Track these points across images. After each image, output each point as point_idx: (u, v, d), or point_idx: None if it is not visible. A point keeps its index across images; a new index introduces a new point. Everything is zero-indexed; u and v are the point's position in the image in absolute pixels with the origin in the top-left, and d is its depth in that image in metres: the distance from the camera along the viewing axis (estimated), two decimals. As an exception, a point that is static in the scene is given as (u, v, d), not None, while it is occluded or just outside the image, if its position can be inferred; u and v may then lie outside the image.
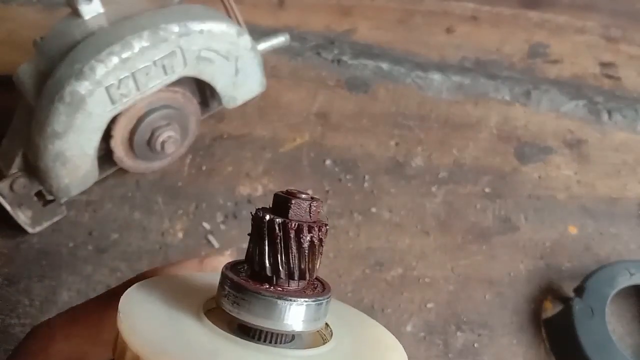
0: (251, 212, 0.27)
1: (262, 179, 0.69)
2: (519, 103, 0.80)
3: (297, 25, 0.84)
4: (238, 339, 0.26)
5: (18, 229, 0.61)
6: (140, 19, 0.55)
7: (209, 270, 0.36)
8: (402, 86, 0.80)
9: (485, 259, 0.66)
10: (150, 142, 0.61)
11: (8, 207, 0.59)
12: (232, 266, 0.28)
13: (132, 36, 0.53)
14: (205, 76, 0.61)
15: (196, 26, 0.56)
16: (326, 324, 0.29)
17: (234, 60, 0.61)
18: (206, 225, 0.65)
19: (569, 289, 0.63)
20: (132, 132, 0.60)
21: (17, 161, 0.59)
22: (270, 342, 0.27)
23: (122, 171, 0.64)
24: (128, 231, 0.64)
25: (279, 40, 0.69)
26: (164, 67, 0.56)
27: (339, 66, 0.81)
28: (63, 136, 0.54)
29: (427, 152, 0.74)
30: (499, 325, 0.62)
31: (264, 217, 0.26)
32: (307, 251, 0.27)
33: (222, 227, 0.65)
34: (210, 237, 0.64)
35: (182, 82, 0.60)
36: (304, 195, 0.27)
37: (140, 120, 0.59)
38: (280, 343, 0.27)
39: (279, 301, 0.26)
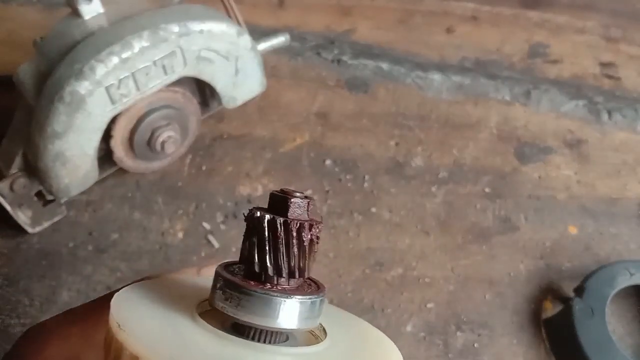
0: (243, 213, 0.27)
1: (262, 179, 0.69)
2: (519, 103, 0.80)
3: (297, 25, 0.84)
4: (232, 337, 0.26)
5: (18, 229, 0.61)
6: (140, 19, 0.55)
7: None
8: (402, 86, 0.80)
9: (485, 259, 0.66)
10: (150, 142, 0.61)
11: (8, 207, 0.59)
12: (226, 266, 0.28)
13: (132, 36, 0.53)
14: (205, 76, 0.61)
15: (196, 26, 0.56)
16: (320, 325, 0.29)
17: (234, 60, 0.61)
18: (206, 225, 0.65)
19: (569, 289, 0.63)
20: (132, 132, 0.60)
21: (17, 161, 0.59)
22: (265, 341, 0.27)
23: (122, 171, 0.64)
24: (128, 231, 0.64)
25: (279, 40, 0.69)
26: (164, 67, 0.56)
27: (339, 66, 0.81)
28: (63, 136, 0.54)
29: (427, 152, 0.74)
30: (499, 325, 0.62)
31: (263, 216, 0.26)
32: (307, 249, 0.27)
33: (222, 227, 0.65)
34: (210, 237, 0.64)
35: (182, 82, 0.60)
36: (298, 194, 0.27)
37: (140, 120, 0.59)
38: (275, 342, 0.27)
39: (274, 298, 0.26)
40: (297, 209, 0.27)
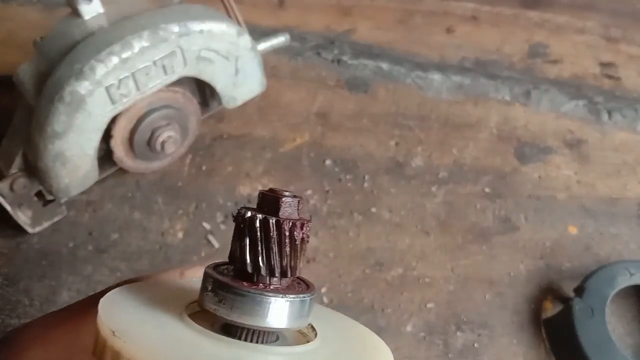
0: (232, 214, 0.27)
1: (262, 179, 0.69)
2: (519, 103, 0.80)
3: (297, 25, 0.84)
4: (222, 336, 0.26)
5: (18, 229, 0.61)
6: (140, 19, 0.55)
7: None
8: (402, 86, 0.80)
9: (485, 259, 0.66)
10: (150, 142, 0.61)
11: (8, 207, 0.59)
12: (215, 267, 0.28)
13: (132, 36, 0.53)
14: (205, 76, 0.61)
15: (196, 26, 0.56)
16: (311, 325, 0.29)
17: (234, 60, 0.61)
18: (206, 225, 0.65)
19: (569, 289, 0.63)
20: (132, 132, 0.60)
21: (17, 161, 0.59)
22: (255, 340, 0.27)
23: (122, 171, 0.64)
24: (128, 231, 0.64)
25: (279, 40, 0.69)
26: (164, 67, 0.56)
27: (339, 66, 0.81)
28: (63, 136, 0.54)
29: (427, 152, 0.74)
30: (499, 325, 0.62)
31: (255, 216, 0.26)
32: (298, 248, 0.27)
33: (222, 227, 0.65)
34: (210, 237, 0.64)
35: (182, 82, 0.60)
36: (288, 193, 0.27)
37: (140, 120, 0.59)
38: (265, 342, 0.27)
39: (264, 298, 0.26)
40: (288, 208, 0.27)
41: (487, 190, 0.71)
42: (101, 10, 0.55)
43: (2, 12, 0.80)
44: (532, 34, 0.89)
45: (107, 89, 0.54)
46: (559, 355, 0.60)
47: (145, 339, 0.25)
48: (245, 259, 0.27)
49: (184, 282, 0.33)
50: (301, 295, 0.27)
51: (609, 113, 0.80)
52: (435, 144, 0.74)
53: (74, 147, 0.56)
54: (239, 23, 0.64)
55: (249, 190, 0.68)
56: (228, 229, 0.65)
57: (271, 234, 0.26)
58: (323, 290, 0.62)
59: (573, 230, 0.69)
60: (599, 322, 0.59)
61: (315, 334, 0.29)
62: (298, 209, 0.27)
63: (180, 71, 0.58)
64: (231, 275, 0.27)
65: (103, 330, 0.25)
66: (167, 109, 0.61)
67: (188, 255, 0.63)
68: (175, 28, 0.55)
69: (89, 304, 0.32)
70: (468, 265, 0.65)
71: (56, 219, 0.63)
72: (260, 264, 0.26)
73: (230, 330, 0.27)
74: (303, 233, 0.27)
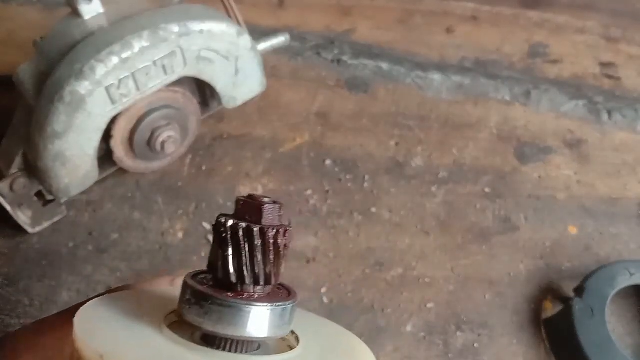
0: (212, 223, 0.27)
1: (262, 179, 0.69)
2: (519, 103, 0.80)
3: (297, 25, 0.84)
4: (201, 347, 0.25)
5: (18, 229, 0.61)
6: (140, 19, 0.55)
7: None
8: (402, 86, 0.80)
9: (485, 259, 0.66)
10: (150, 142, 0.61)
11: (8, 207, 0.59)
12: (194, 275, 0.27)
13: (132, 36, 0.53)
14: (205, 76, 0.61)
15: (196, 26, 0.56)
16: (293, 332, 0.28)
17: (234, 60, 0.61)
18: (206, 225, 0.65)
19: (569, 289, 0.63)
20: (132, 132, 0.60)
21: (17, 161, 0.59)
22: (235, 350, 0.26)
23: (122, 171, 0.64)
24: (128, 231, 0.64)
25: (279, 40, 0.69)
26: (164, 67, 0.56)
27: (339, 66, 0.81)
28: (63, 136, 0.54)
29: (427, 152, 0.74)
30: (499, 325, 0.62)
31: (237, 224, 0.26)
32: (282, 254, 0.27)
33: (222, 227, 0.65)
34: (211, 237, 0.64)
35: (182, 82, 0.60)
36: (267, 200, 0.27)
37: (140, 120, 0.59)
38: (246, 352, 0.27)
39: (244, 307, 0.25)
40: (270, 215, 0.27)
41: (487, 190, 0.71)
42: (101, 10, 0.55)
43: (2, 12, 0.80)
44: (532, 34, 0.89)
45: (107, 89, 0.54)
46: (559, 355, 0.60)
47: (122, 352, 0.24)
48: (229, 269, 0.26)
49: (170, 290, 0.32)
50: (282, 303, 0.26)
51: (609, 113, 0.80)
52: (435, 144, 0.74)
53: (74, 147, 0.56)
54: (239, 23, 0.64)
55: (249, 191, 0.68)
56: (228, 229, 0.65)
57: (255, 242, 0.26)
58: (323, 290, 0.62)
59: (573, 230, 0.69)
60: (599, 322, 0.59)
61: (298, 341, 0.28)
62: (279, 215, 0.27)
63: (180, 71, 0.58)
64: (211, 285, 0.27)
65: (78, 345, 0.24)
66: (167, 109, 0.61)
67: (188, 255, 0.63)
68: (175, 28, 0.55)
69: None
70: (468, 265, 0.65)
71: (56, 219, 0.63)
72: (245, 273, 0.26)
73: (211, 340, 0.26)
74: (285, 239, 0.27)
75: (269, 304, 0.26)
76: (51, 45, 0.55)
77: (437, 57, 0.84)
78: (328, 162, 0.71)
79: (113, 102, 0.55)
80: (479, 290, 0.64)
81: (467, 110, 0.79)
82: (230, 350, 0.26)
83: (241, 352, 0.27)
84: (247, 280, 0.26)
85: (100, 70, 0.52)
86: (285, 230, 0.27)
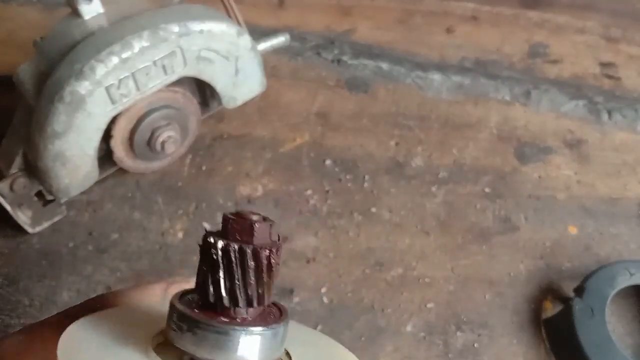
0: (198, 243, 0.25)
1: (262, 179, 0.69)
2: (519, 103, 0.80)
3: (297, 25, 0.84)
4: None
5: (18, 229, 0.61)
6: (140, 19, 0.55)
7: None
8: (402, 86, 0.80)
9: (485, 259, 0.66)
10: (150, 142, 0.61)
11: (8, 207, 0.59)
12: (182, 296, 0.26)
13: (132, 36, 0.53)
14: (205, 76, 0.61)
15: (196, 26, 0.56)
16: (285, 350, 0.28)
17: (234, 60, 0.61)
18: (206, 226, 0.65)
19: (569, 289, 0.63)
20: (132, 132, 0.60)
21: (17, 161, 0.59)
22: None
23: (122, 171, 0.64)
24: (128, 231, 0.64)
25: (279, 40, 0.69)
26: (164, 67, 0.56)
27: (339, 66, 0.81)
28: (63, 136, 0.54)
29: (427, 152, 0.74)
30: (499, 325, 0.62)
31: (229, 245, 0.25)
32: (274, 274, 0.25)
33: (222, 227, 0.65)
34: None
35: (182, 82, 0.60)
36: (256, 217, 0.26)
37: (140, 120, 0.59)
38: None
39: (234, 331, 0.24)
40: (262, 234, 0.25)
41: (487, 190, 0.71)
42: (101, 10, 0.55)
43: (2, 12, 0.80)
44: (532, 34, 0.89)
45: (107, 89, 0.54)
46: (559, 355, 0.60)
47: None
48: (221, 292, 0.25)
49: (155, 305, 0.31)
50: (274, 325, 0.25)
51: (609, 113, 0.80)
52: (435, 144, 0.74)
53: (74, 147, 0.56)
54: (239, 23, 0.64)
55: (249, 190, 0.68)
56: (228, 229, 0.65)
57: (248, 264, 0.25)
58: (323, 290, 0.62)
59: (573, 230, 0.69)
60: (599, 322, 0.59)
61: (289, 357, 0.27)
62: (270, 233, 0.26)
63: (180, 71, 0.58)
64: (199, 305, 0.25)
65: None
66: (167, 109, 0.61)
67: (188, 255, 0.63)
68: (175, 28, 0.55)
69: (71, 316, 0.31)
70: (468, 265, 0.65)
71: (56, 219, 0.63)
72: (238, 296, 0.25)
73: None
74: (278, 258, 0.26)
75: (263, 328, 0.25)
76: (51, 45, 0.55)
77: (437, 57, 0.84)
78: (328, 162, 0.71)
79: (113, 102, 0.55)
80: (479, 290, 0.64)
81: (467, 110, 0.79)
82: None
83: None
84: (240, 303, 0.25)
85: (100, 70, 0.52)
86: (278, 249, 0.25)
